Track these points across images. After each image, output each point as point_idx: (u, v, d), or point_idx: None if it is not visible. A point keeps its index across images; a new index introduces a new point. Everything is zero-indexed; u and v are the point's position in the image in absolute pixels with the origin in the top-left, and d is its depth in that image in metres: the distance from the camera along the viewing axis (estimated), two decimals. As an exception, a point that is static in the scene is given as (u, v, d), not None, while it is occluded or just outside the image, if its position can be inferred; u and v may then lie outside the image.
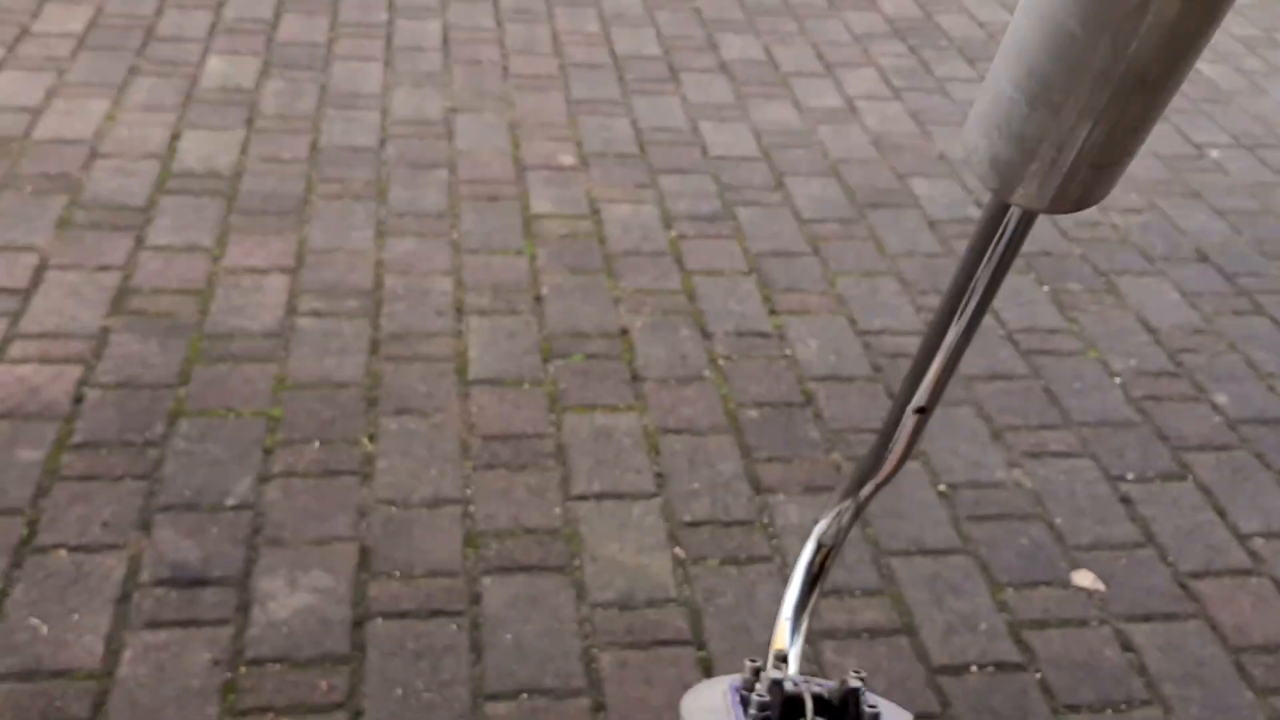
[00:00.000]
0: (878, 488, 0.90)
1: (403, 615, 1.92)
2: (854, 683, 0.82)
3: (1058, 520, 2.26)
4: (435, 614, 1.93)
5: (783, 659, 0.89)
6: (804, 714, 0.82)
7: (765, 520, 2.18)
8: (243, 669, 1.80)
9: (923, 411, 0.77)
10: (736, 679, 0.88)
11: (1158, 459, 2.44)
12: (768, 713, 0.81)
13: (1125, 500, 2.33)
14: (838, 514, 0.96)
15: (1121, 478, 2.39)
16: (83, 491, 2.08)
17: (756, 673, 0.87)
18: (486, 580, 2.00)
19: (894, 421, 0.80)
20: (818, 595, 0.97)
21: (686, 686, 1.84)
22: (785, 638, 0.94)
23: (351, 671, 1.82)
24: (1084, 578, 2.14)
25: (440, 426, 2.32)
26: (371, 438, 2.27)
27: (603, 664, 1.87)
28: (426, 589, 1.97)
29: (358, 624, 1.90)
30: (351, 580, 1.97)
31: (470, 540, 2.07)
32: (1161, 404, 2.61)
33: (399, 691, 1.79)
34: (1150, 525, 2.27)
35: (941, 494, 2.29)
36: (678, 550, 2.09)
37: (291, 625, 1.88)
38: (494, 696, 1.80)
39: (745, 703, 0.82)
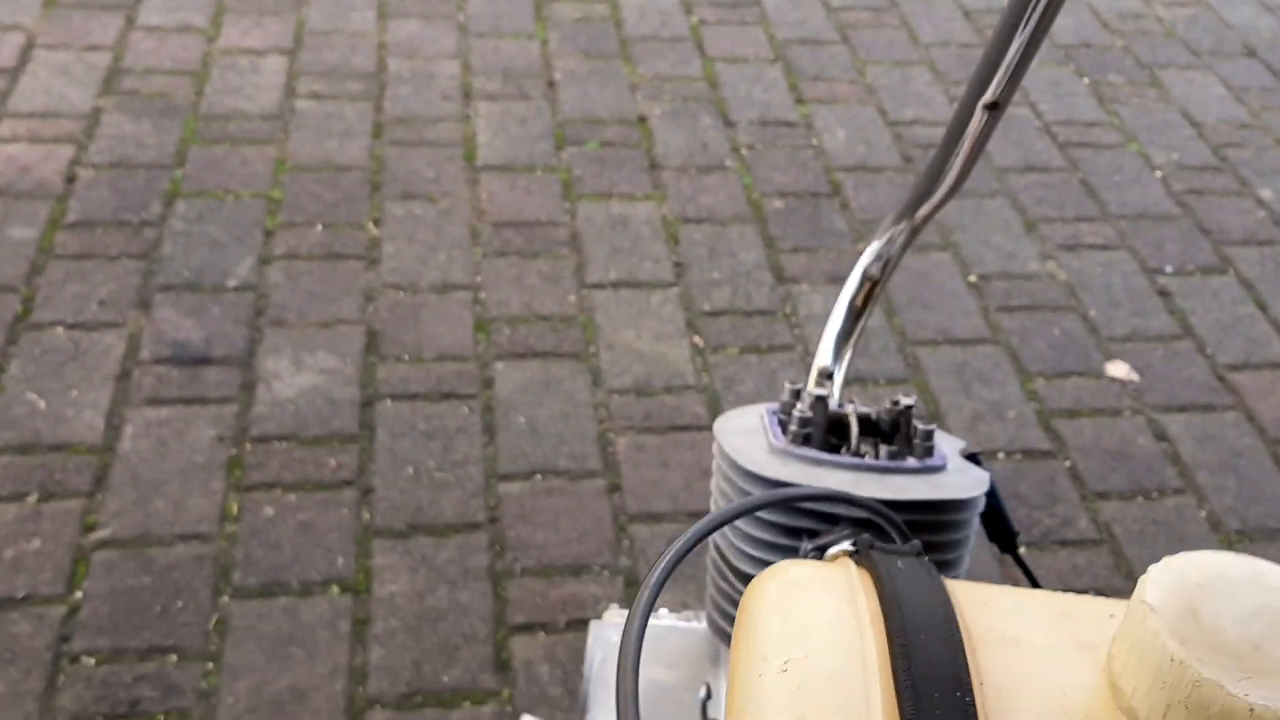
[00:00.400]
0: (936, 208, 0.80)
1: (412, 397, 1.85)
2: (906, 402, 0.74)
3: (1092, 312, 2.18)
4: (446, 396, 1.86)
5: (827, 376, 0.80)
6: (848, 437, 0.74)
7: (788, 310, 2.10)
8: (248, 446, 1.75)
9: (994, 108, 0.66)
10: (774, 404, 0.80)
11: (1198, 253, 2.34)
12: (809, 429, 0.73)
13: (1163, 293, 2.23)
14: (889, 239, 0.87)
15: (1160, 270, 2.28)
16: (78, 270, 2.00)
17: (796, 394, 0.78)
18: (499, 365, 1.93)
19: (961, 121, 0.69)
20: (861, 329, 0.89)
21: (704, 471, 1.78)
22: (828, 360, 0.86)
23: (360, 450, 1.77)
24: (1118, 369, 2.06)
25: (448, 212, 2.22)
26: (376, 222, 2.18)
27: (619, 447, 1.81)
28: (437, 372, 1.90)
29: (366, 405, 1.84)
30: (359, 362, 1.90)
31: (481, 326, 2.00)
32: (1203, 198, 2.49)
33: (410, 470, 1.74)
34: (1189, 318, 2.18)
35: (971, 285, 2.19)
36: (696, 339, 2.02)
37: (298, 404, 1.82)
38: (507, 476, 1.75)
39: (784, 426, 0.74)
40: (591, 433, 1.83)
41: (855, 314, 0.88)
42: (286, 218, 2.16)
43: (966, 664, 0.36)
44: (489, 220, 2.21)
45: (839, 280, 2.16)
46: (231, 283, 2.02)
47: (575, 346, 1.98)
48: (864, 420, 0.77)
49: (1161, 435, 1.94)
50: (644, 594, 0.42)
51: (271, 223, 2.15)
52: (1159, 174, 2.54)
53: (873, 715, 0.35)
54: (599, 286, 2.10)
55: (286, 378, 1.86)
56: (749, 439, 0.73)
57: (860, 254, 0.89)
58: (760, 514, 0.70)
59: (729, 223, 2.27)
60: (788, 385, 0.79)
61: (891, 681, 0.36)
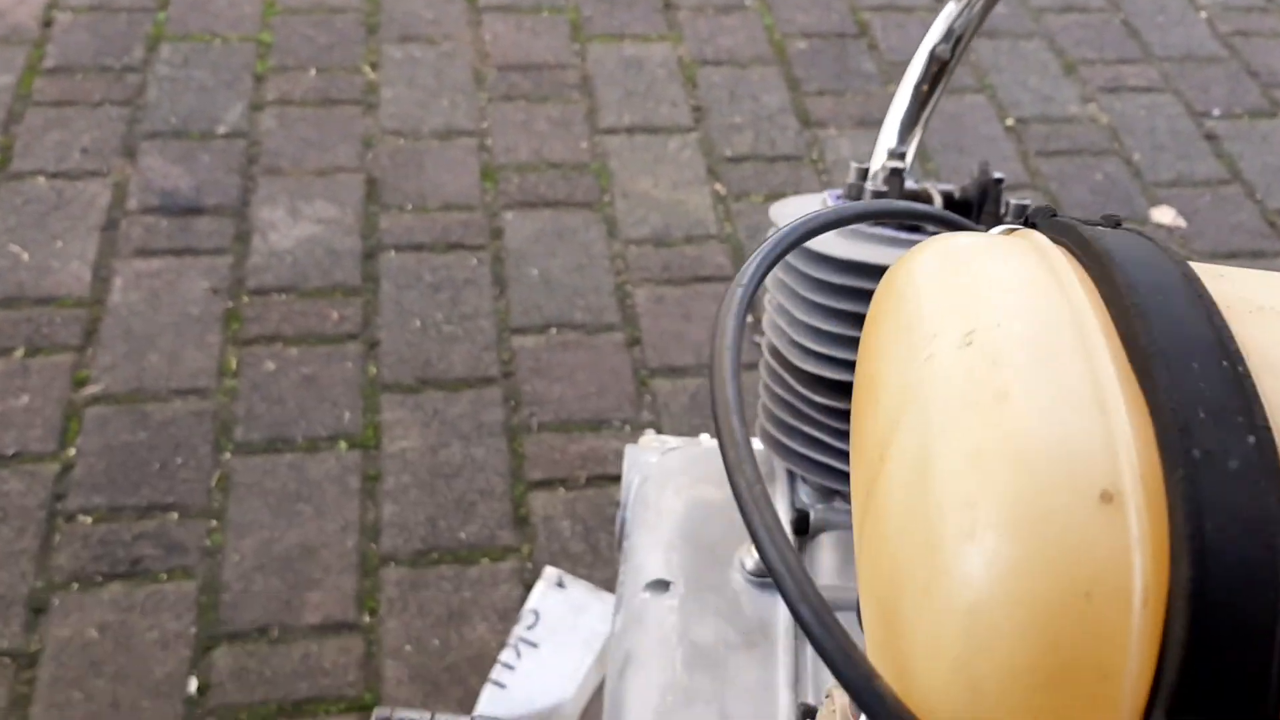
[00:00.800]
0: None
1: (417, 248, 1.75)
2: (995, 174, 0.64)
3: (1135, 156, 2.05)
4: (453, 247, 1.76)
5: (899, 155, 0.70)
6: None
7: (814, 155, 1.97)
8: (245, 298, 1.65)
9: None
10: (836, 190, 0.70)
11: (1246, 95, 2.20)
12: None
13: (1210, 137, 2.10)
14: (964, 6, 0.76)
15: (1206, 114, 2.15)
16: (59, 117, 1.87)
17: (864, 173, 0.68)
18: (508, 215, 1.82)
19: None
20: (929, 115, 0.78)
21: (730, 318, 1.68)
22: (893, 143, 0.76)
23: (365, 303, 1.67)
24: (1164, 214, 1.95)
25: (450, 55, 2.08)
26: (374, 65, 2.04)
27: (637, 299, 1.71)
28: (442, 222, 1.79)
29: (369, 256, 1.73)
30: (359, 212, 1.79)
31: (488, 174, 1.88)
32: (1250, 39, 2.34)
33: (417, 323, 1.65)
34: (1237, 162, 2.06)
35: (1009, 128, 2.07)
36: (718, 186, 1.90)
37: (296, 255, 1.72)
38: (521, 330, 1.65)
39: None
40: (608, 284, 1.73)
41: (922, 99, 0.77)
42: (278, 61, 2.03)
43: (1227, 327, 0.26)
44: (493, 63, 2.08)
45: (868, 124, 2.03)
46: (221, 129, 1.89)
47: (588, 195, 1.86)
48: (948, 197, 0.67)
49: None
50: (733, 298, 0.32)
51: (262, 67, 2.01)
52: (1204, 14, 2.39)
53: (1104, 389, 0.25)
54: (612, 132, 1.97)
55: (283, 228, 1.76)
56: None
57: (890, 99, 0.78)
58: (831, 302, 0.61)
59: (750, 64, 2.13)
60: (854, 165, 0.69)
61: (1122, 349, 0.26)
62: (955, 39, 0.76)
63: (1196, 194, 1.99)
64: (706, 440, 0.81)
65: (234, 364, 1.57)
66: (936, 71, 0.78)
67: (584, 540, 1.42)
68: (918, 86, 0.77)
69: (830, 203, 0.67)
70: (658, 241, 1.80)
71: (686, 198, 1.88)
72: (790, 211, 0.66)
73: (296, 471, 1.46)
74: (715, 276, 1.76)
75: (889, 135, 0.79)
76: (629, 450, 0.76)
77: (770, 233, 0.38)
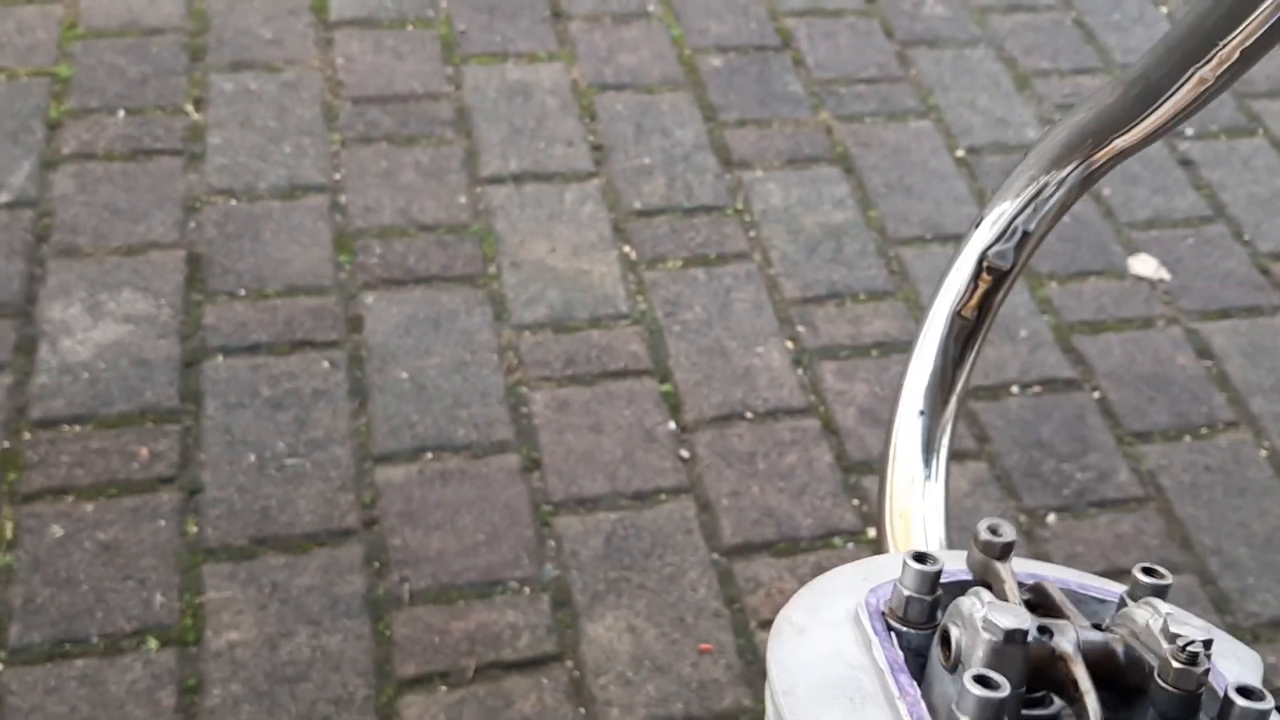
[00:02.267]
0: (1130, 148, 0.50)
1: (252, 350, 1.39)
2: (1195, 636, 0.33)
3: (1106, 191, 1.78)
4: (299, 346, 1.40)
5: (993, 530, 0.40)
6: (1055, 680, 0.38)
7: (739, 204, 1.65)
8: (27, 434, 1.28)
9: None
10: (864, 572, 0.42)
11: (1221, 110, 1.93)
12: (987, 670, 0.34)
13: (1185, 162, 1.84)
14: (1034, 194, 0.50)
15: (1179, 134, 1.88)
16: None
17: (923, 563, 0.38)
18: (368, 298, 1.46)
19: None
20: (966, 381, 0.55)
21: (647, 434, 1.36)
22: (914, 446, 0.53)
23: (183, 433, 1.31)
24: (1144, 264, 1.67)
25: (294, 85, 1.70)
26: (198, 103, 1.66)
27: (535, 406, 1.38)
28: (285, 311, 1.43)
29: (189, 364, 1.37)
30: (178, 303, 1.42)
31: (343, 242, 1.52)
32: (1218, 41, 2.07)
33: (251, 457, 1.29)
34: (1219, 194, 1.79)
35: (960, 160, 1.77)
36: (627, 248, 1.57)
37: (95, 369, 1.35)
38: (387, 458, 1.31)
39: (899, 635, 0.39)
40: (497, 388, 1.40)
41: (956, 359, 0.54)
42: (78, 102, 1.63)
43: None
44: (347, 94, 1.71)
45: (800, 162, 1.72)
46: (2, 197, 1.50)
47: (470, 266, 1.52)
48: (1100, 658, 0.36)
49: (1203, 350, 1.57)
50: None
51: (57, 110, 1.62)
52: (1165, 9, 2.11)
53: None
54: (497, 181, 1.63)
55: (79, 331, 1.38)
56: (840, 701, 0.36)
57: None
58: None
59: (657, 89, 1.79)
60: (909, 561, 0.38)
61: None
62: (1020, 238, 0.48)
63: (1178, 236, 1.72)
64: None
65: (9, 531, 1.21)
66: (985, 292, 0.50)
67: (474, 761, 1.10)
68: (946, 336, 0.53)
69: (865, 615, 0.37)
70: (557, 325, 1.47)
71: (590, 266, 1.55)
72: (798, 661, 0.36)
73: (90, 686, 1.11)
74: (629, 370, 1.44)
75: (906, 433, 0.53)
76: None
77: None
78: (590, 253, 1.55)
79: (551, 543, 1.27)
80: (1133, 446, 1.46)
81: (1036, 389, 1.50)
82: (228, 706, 1.11)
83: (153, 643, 1.14)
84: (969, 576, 0.40)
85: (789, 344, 1.49)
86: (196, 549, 1.21)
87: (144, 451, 1.28)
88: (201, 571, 1.19)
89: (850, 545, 1.32)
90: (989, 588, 0.39)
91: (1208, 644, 0.37)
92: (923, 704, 0.36)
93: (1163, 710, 0.36)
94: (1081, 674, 0.36)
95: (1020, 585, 0.40)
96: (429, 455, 1.32)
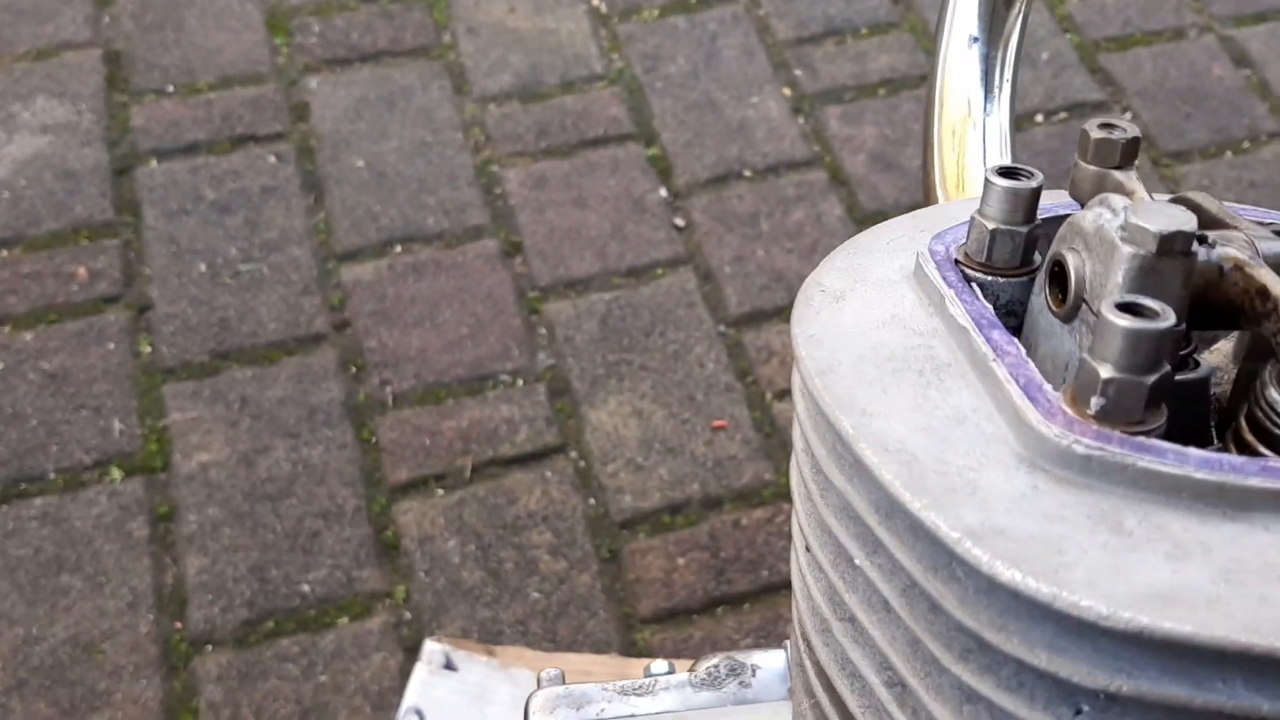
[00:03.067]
0: None
1: (190, 150, 1.25)
2: None
3: None
4: (241, 142, 1.26)
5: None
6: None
7: (716, -59, 1.47)
8: (-52, 266, 1.15)
9: None
10: (922, 222, 0.31)
11: None
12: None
13: None
14: None
15: None
16: None
17: (1024, 206, 0.28)
18: (312, 82, 1.31)
19: None
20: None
21: (636, 204, 1.23)
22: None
23: (124, 246, 1.18)
24: None
25: None
26: (95, -119, 1.46)
27: (508, 185, 1.25)
28: (221, 106, 1.28)
29: (121, 172, 1.23)
30: (101, 107, 1.27)
31: (277, 23, 1.35)
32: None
33: (202, 267, 1.17)
34: None
35: None
36: (596, 1, 1.40)
37: (15, 187, 1.21)
38: (352, 255, 1.19)
39: (982, 288, 0.28)
40: (466, 169, 1.26)
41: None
42: (-44, -109, 1.43)
43: None
44: None
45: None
46: (-117, 6, 1.33)
47: (422, 37, 1.36)
48: None
49: (1240, 58, 1.42)
50: None
51: (-67, -98, 1.42)
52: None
53: None
54: (443, -59, 1.45)
55: (-8, 146, 1.24)
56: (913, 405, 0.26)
57: None
58: None
59: None
60: (993, 178, 0.28)
61: None
62: None
63: None
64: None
65: (-59, 369, 1.09)
66: None
67: (480, 564, 1.01)
68: None
69: (930, 262, 0.26)
70: (525, 94, 1.32)
71: (556, 23, 1.38)
72: (833, 342, 0.26)
73: (52, 525, 1.02)
74: (610, 136, 1.29)
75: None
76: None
77: None
78: (555, 8, 1.39)
79: (542, 330, 1.15)
80: (1170, 168, 1.32)
81: (1062, 115, 1.35)
82: (206, 531, 1.01)
83: (116, 472, 1.04)
84: (1076, 209, 0.28)
85: (786, 90, 1.34)
86: (153, 370, 1.10)
87: (82, 271, 1.15)
88: (161, 393, 1.09)
89: (869, 302, 1.20)
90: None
91: None
92: (1030, 364, 0.25)
93: None
94: (1269, 276, 0.25)
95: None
96: (397, 248, 1.19)
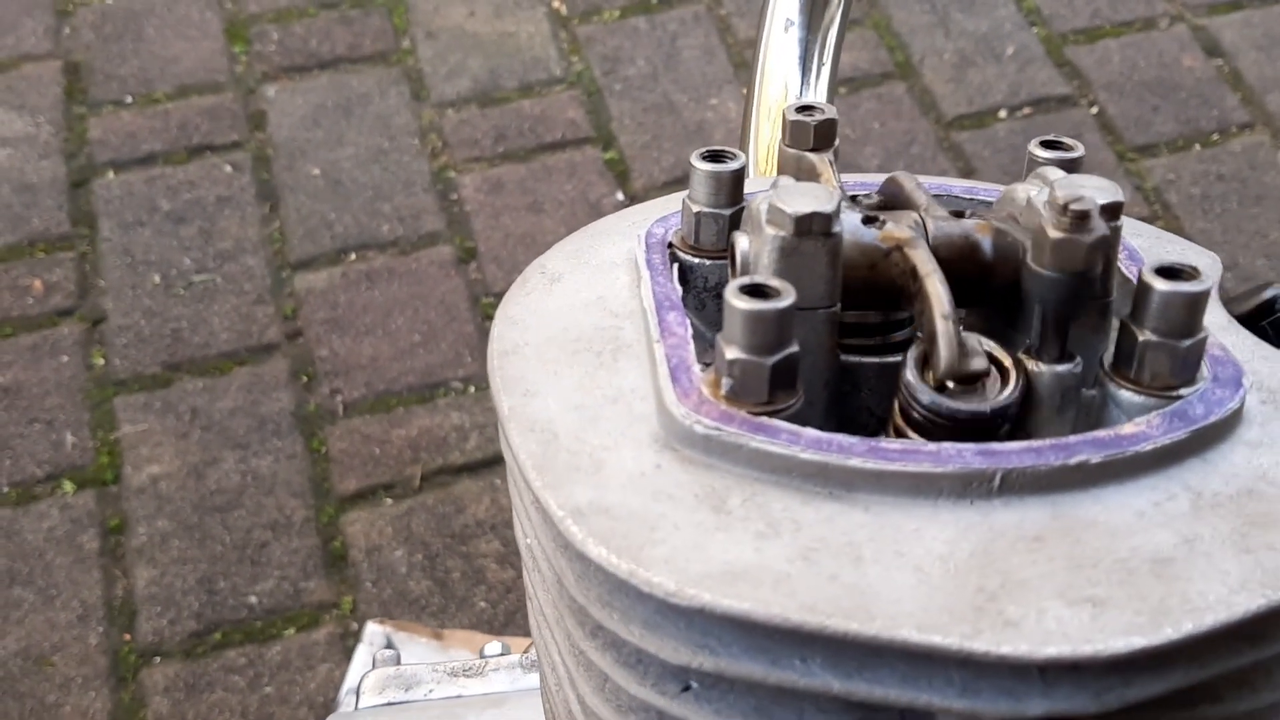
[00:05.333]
0: None
1: (146, 161, 1.25)
2: (1087, 195, 0.22)
3: None
4: (198, 152, 1.26)
5: (805, 111, 0.30)
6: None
7: (679, -61, 1.46)
8: (-95, 281, 1.16)
9: None
10: (667, 206, 0.31)
11: None
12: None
13: None
14: None
15: None
16: None
17: (727, 189, 0.29)
18: (270, 90, 1.31)
19: None
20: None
21: (592, 208, 1.23)
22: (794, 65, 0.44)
23: (79, 258, 1.18)
24: None
25: None
26: (58, -108, 1.47)
27: (464, 190, 1.25)
28: (178, 116, 1.28)
29: (78, 184, 1.23)
30: (59, 118, 1.28)
31: (236, 31, 1.36)
32: None
33: (156, 278, 1.17)
34: None
35: None
36: (556, 3, 1.40)
37: (-28, 202, 1.22)
38: (305, 263, 1.19)
39: (686, 271, 0.29)
40: (422, 175, 1.26)
41: None
42: (-79, -95, 1.44)
43: None
44: None
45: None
46: None
47: (380, 42, 1.35)
48: (959, 251, 0.27)
49: (1212, 48, 1.40)
50: None
51: (-102, -84, 1.43)
52: None
53: None
54: (405, -55, 1.44)
55: (-49, 160, 1.24)
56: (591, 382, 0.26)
57: None
58: None
59: None
60: (696, 163, 0.29)
61: None
62: None
63: None
64: None
65: (-103, 384, 1.10)
66: None
67: (427, 574, 1.01)
68: None
69: (643, 247, 0.30)
70: (483, 98, 1.32)
71: (515, 26, 1.38)
72: (527, 331, 0.28)
73: (4, 538, 1.02)
74: (567, 140, 1.29)
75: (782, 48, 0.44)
76: None
77: None
78: (514, 11, 1.38)
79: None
80: (1136, 162, 1.31)
81: (1026, 110, 1.34)
82: (155, 544, 1.02)
83: (68, 485, 1.05)
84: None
85: (746, 91, 1.33)
86: (105, 382, 1.10)
87: (37, 284, 1.16)
88: (113, 405, 1.09)
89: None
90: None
91: (1112, 209, 0.25)
92: (690, 346, 0.25)
93: (1046, 305, 0.24)
94: (921, 256, 0.25)
95: (864, 196, 0.28)
96: (351, 256, 1.19)
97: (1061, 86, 1.36)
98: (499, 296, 1.17)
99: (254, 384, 1.11)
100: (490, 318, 1.15)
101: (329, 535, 1.03)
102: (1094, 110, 1.34)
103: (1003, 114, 1.34)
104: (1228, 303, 0.30)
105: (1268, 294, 0.33)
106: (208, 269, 1.18)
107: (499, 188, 1.25)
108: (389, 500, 1.05)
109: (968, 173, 1.29)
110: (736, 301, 0.23)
